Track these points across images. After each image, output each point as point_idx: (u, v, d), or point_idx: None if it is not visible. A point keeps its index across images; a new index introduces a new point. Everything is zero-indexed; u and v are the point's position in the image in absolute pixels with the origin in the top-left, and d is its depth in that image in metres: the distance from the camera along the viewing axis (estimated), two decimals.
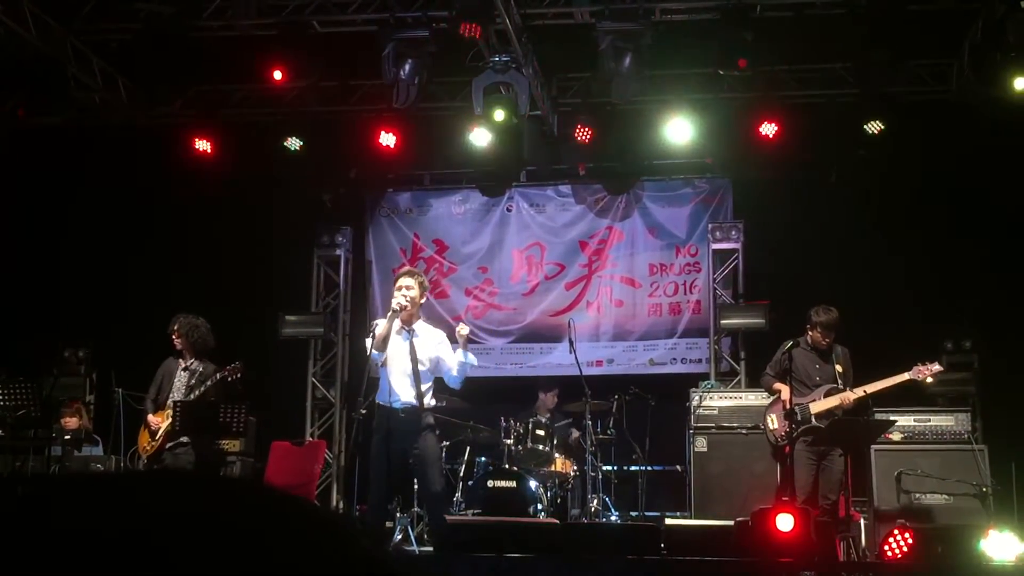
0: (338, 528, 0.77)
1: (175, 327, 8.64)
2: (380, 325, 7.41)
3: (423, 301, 7.58)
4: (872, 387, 8.16)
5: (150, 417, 8.53)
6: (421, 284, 7.51)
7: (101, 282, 11.77)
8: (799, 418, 8.10)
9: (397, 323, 7.35)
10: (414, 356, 7.32)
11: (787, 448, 8.13)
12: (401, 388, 7.28)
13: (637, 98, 10.36)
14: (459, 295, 12.39)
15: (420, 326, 7.49)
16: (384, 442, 7.31)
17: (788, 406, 8.07)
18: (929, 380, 8.24)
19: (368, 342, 7.45)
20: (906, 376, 8.14)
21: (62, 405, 9.84)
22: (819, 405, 8.15)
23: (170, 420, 8.44)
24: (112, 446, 9.45)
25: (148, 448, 8.54)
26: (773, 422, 8.45)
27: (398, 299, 7.32)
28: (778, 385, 8.38)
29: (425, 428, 7.36)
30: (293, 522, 0.76)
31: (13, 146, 10.85)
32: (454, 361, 7.41)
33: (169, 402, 8.51)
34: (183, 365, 8.66)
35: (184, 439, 8.50)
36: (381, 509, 7.73)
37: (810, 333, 8.34)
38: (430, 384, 7.44)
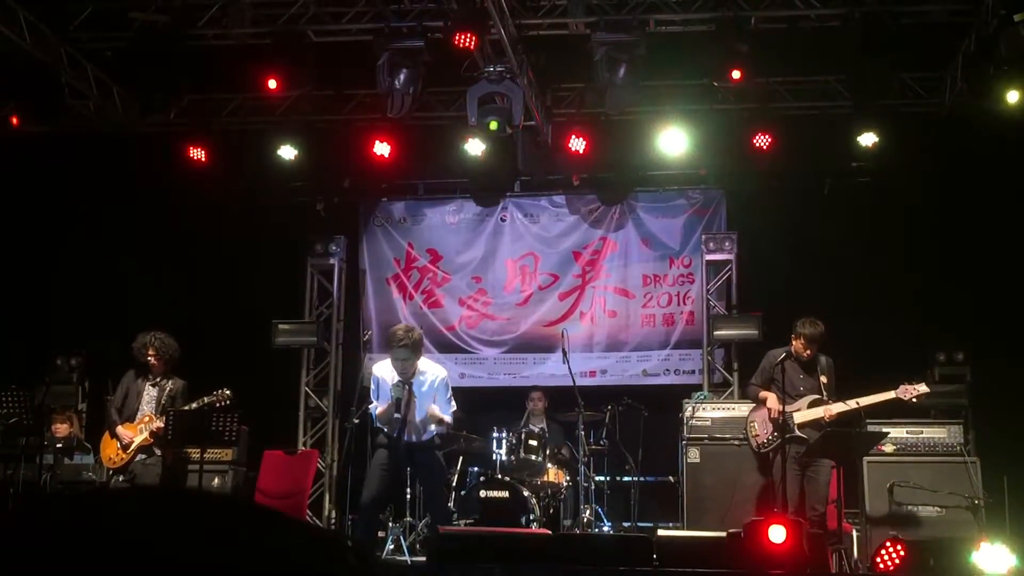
0: (322, 544, 0.77)
1: (152, 351, 8.64)
2: (381, 370, 7.71)
3: (420, 356, 7.79)
4: (861, 401, 8.20)
5: (120, 429, 8.55)
6: (414, 344, 7.63)
7: (94, 290, 11.75)
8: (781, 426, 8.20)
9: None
10: (411, 405, 7.61)
11: (770, 456, 8.31)
12: (413, 432, 7.60)
13: (631, 109, 10.39)
14: (453, 305, 12.38)
15: (421, 368, 7.74)
16: (390, 457, 7.53)
17: (775, 415, 8.19)
18: (914, 400, 8.28)
19: (373, 410, 7.81)
20: (892, 394, 8.20)
21: (54, 413, 9.82)
22: (803, 415, 8.19)
23: (145, 434, 8.47)
24: (94, 448, 9.45)
25: (116, 460, 8.56)
26: (755, 428, 8.52)
27: (396, 392, 7.53)
28: (764, 393, 8.48)
29: (429, 448, 7.73)
30: (273, 538, 0.76)
31: (6, 154, 10.84)
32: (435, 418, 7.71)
33: (143, 415, 8.53)
34: (151, 381, 8.69)
35: (157, 451, 8.54)
36: (373, 516, 7.82)
37: (794, 343, 8.41)
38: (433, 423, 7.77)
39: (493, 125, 9.92)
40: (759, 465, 8.81)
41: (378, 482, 7.59)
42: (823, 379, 8.33)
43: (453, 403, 7.95)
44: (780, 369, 8.32)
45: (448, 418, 7.81)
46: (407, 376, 7.57)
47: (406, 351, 7.54)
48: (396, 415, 7.50)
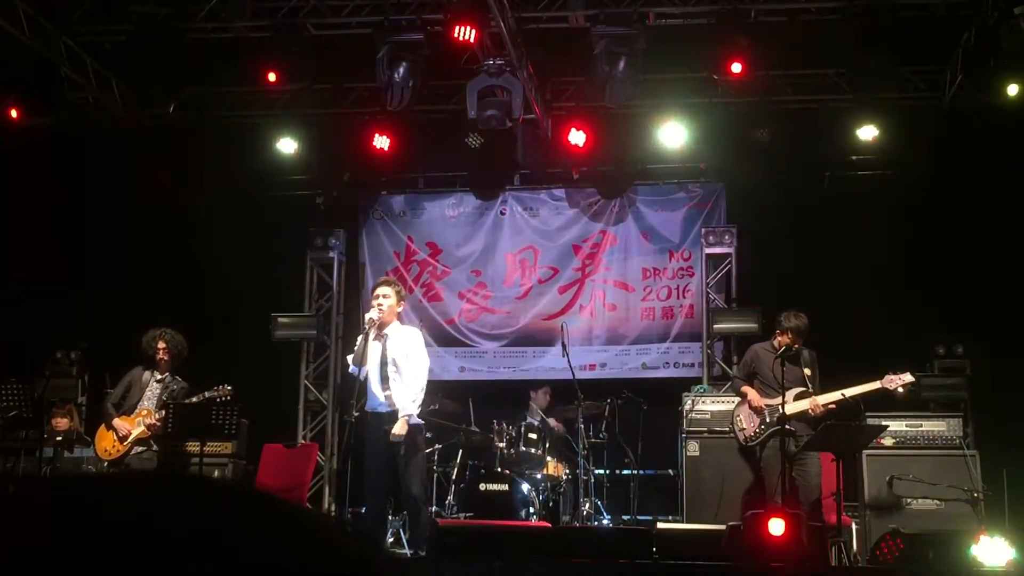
0: (321, 528, 0.77)
1: (162, 344, 8.64)
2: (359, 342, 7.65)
3: (400, 309, 7.86)
4: (847, 392, 8.22)
5: (117, 421, 8.53)
6: (398, 292, 7.79)
7: (94, 283, 11.74)
8: (768, 419, 8.22)
9: (373, 331, 7.58)
10: (384, 360, 7.55)
11: (757, 450, 8.39)
12: (381, 393, 7.47)
13: (631, 102, 10.38)
14: (452, 298, 12.38)
15: (394, 328, 7.74)
16: (377, 448, 7.47)
17: (755, 406, 8.36)
18: (900, 390, 8.28)
19: (349, 358, 7.76)
20: (877, 384, 8.20)
21: (54, 406, 9.81)
22: (791, 407, 8.19)
23: (142, 427, 8.46)
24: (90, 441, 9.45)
25: (112, 452, 8.54)
26: (742, 422, 8.54)
27: (371, 313, 7.60)
28: (745, 388, 8.55)
29: (410, 429, 7.54)
30: (272, 522, 0.76)
31: (6, 147, 10.83)
32: (407, 380, 7.54)
33: (141, 408, 8.52)
34: (156, 377, 8.68)
35: (154, 445, 8.54)
36: (378, 515, 7.80)
37: (779, 337, 8.43)
38: (408, 385, 7.60)
39: (492, 118, 9.90)
40: (748, 462, 8.83)
41: (380, 482, 7.59)
42: (807, 371, 8.36)
43: (424, 367, 7.72)
44: (763, 363, 8.42)
45: (412, 400, 7.55)
46: (381, 317, 7.54)
47: (386, 287, 7.74)
48: (363, 349, 7.44)
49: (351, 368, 7.65)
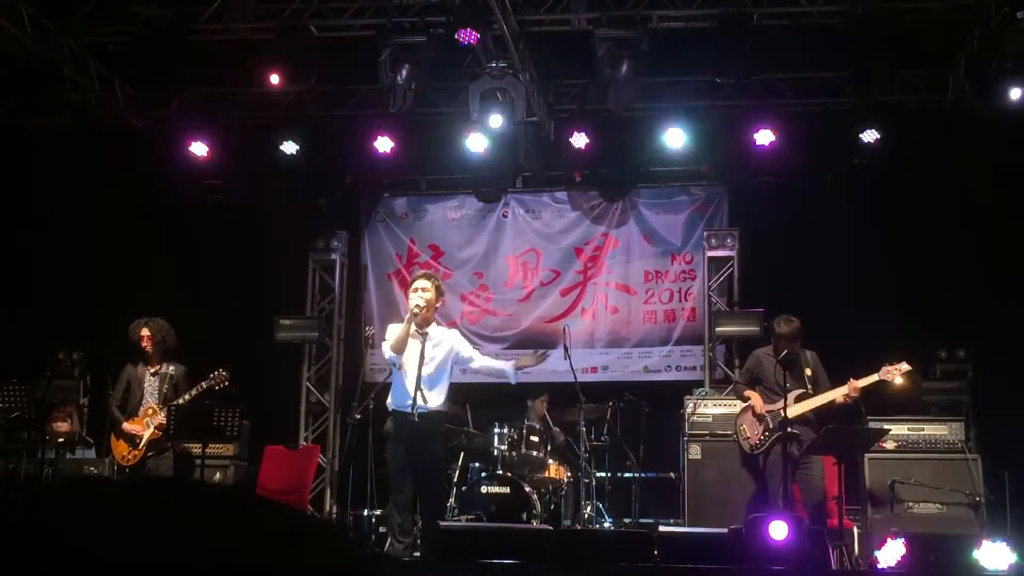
0: (320, 532, 0.77)
1: (146, 332, 8.58)
2: (393, 328, 7.58)
3: (439, 305, 7.77)
4: (843, 390, 8.21)
5: (127, 426, 8.45)
6: (437, 288, 7.67)
7: (96, 284, 11.74)
8: (772, 426, 8.21)
9: (412, 327, 7.46)
10: (423, 359, 7.43)
11: (762, 458, 8.36)
12: (415, 393, 7.36)
13: (634, 105, 10.39)
14: (454, 300, 12.37)
15: (433, 329, 7.66)
16: (404, 448, 7.44)
17: (759, 411, 8.35)
18: (899, 380, 8.28)
19: (385, 346, 7.61)
20: (875, 377, 8.20)
21: (55, 408, 9.80)
22: (792, 410, 8.18)
23: (152, 428, 8.39)
24: (105, 449, 9.43)
25: (130, 457, 8.46)
26: (746, 431, 8.53)
27: (415, 300, 7.46)
28: (748, 393, 8.55)
29: (438, 434, 7.58)
30: (271, 526, 0.76)
31: (8, 148, 10.83)
32: (480, 358, 7.78)
33: (146, 407, 8.46)
34: (151, 370, 8.60)
35: (167, 443, 8.49)
36: (407, 515, 7.73)
37: (775, 344, 8.43)
38: (443, 387, 7.58)
39: (495, 121, 9.92)
40: (750, 469, 8.81)
41: (409, 482, 7.52)
42: (808, 372, 8.36)
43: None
44: (765, 368, 8.43)
45: (495, 362, 7.94)
46: (426, 307, 7.46)
47: (425, 280, 7.59)
48: (405, 337, 7.40)
49: (389, 356, 7.55)
